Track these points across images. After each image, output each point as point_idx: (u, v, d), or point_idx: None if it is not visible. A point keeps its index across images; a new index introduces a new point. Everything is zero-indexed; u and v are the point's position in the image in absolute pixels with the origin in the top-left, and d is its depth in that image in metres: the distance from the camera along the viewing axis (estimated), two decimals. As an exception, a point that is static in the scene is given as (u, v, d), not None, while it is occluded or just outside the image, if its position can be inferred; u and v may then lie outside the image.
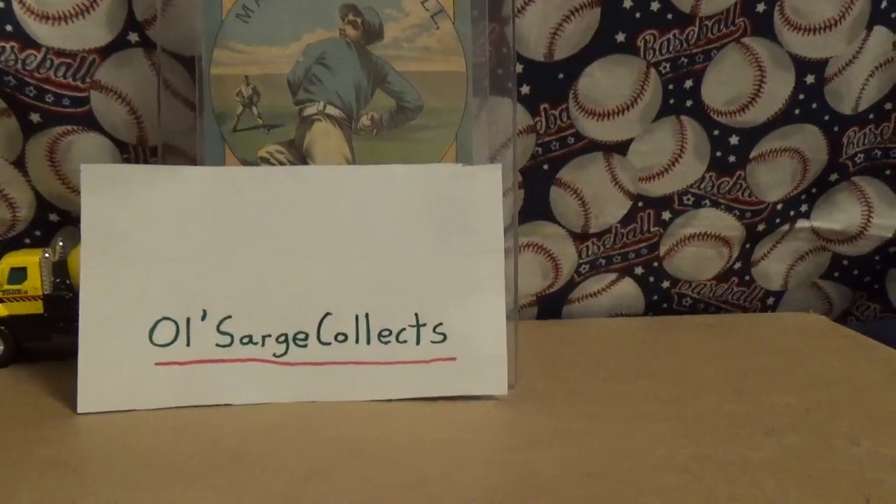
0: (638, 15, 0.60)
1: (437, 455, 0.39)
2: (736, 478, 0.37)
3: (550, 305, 0.68)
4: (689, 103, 0.64)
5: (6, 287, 0.52)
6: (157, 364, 0.46)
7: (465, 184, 0.47)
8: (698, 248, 0.68)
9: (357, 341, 0.47)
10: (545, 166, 0.64)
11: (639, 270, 0.69)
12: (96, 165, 0.46)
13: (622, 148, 0.64)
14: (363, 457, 0.39)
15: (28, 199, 0.60)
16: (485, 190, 0.47)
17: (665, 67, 0.62)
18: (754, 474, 0.37)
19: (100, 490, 0.36)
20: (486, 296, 0.47)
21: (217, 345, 0.46)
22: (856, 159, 0.68)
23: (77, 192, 0.51)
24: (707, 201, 0.67)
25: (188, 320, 0.46)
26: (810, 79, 0.63)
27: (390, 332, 0.47)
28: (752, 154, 0.66)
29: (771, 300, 0.71)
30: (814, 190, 0.68)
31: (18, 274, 0.52)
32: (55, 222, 0.61)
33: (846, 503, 0.35)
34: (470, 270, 0.47)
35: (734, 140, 0.65)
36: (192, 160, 0.52)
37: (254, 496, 0.35)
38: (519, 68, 0.60)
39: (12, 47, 0.55)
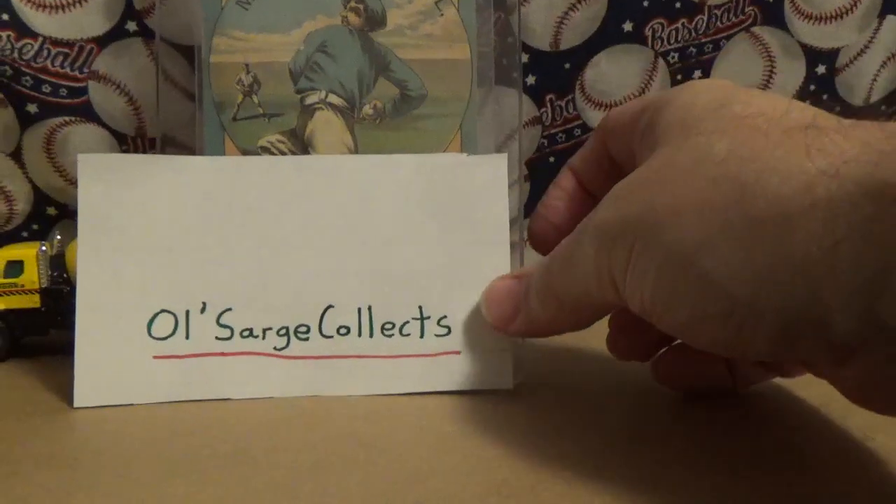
0: (646, 4, 0.59)
1: (443, 449, 0.38)
2: (746, 470, 0.36)
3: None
4: (697, 94, 0.63)
5: (2, 281, 0.51)
6: (155, 357, 0.45)
7: (470, 173, 0.46)
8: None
9: (360, 334, 0.46)
10: (551, 158, 0.63)
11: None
12: (94, 155, 0.45)
13: (629, 140, 0.63)
14: (368, 450, 0.38)
15: (25, 192, 0.59)
16: (490, 179, 0.46)
17: (673, 57, 0.61)
18: (765, 466, 0.36)
19: (96, 485, 0.35)
20: (492, 288, 0.46)
21: (217, 338, 0.45)
22: (867, 151, 0.67)
23: (75, 184, 0.50)
24: (715, 194, 0.66)
25: (187, 313, 0.45)
26: (821, 69, 0.62)
27: (393, 325, 0.46)
28: (762, 146, 0.65)
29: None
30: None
31: (15, 267, 0.51)
32: (53, 216, 0.60)
33: (859, 499, 0.34)
34: (475, 262, 0.46)
35: (743, 132, 0.64)
36: (192, 151, 0.51)
37: (256, 490, 0.34)
38: (525, 58, 0.59)
39: (9, 36, 0.55)
